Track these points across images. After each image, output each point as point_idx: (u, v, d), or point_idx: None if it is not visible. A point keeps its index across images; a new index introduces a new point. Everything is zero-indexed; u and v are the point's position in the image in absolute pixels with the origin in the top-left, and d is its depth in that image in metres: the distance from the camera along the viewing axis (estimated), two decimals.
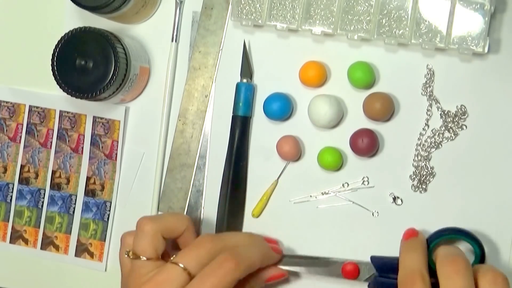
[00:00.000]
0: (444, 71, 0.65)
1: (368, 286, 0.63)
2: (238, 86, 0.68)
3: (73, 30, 0.64)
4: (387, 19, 0.63)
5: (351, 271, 0.63)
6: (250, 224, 0.68)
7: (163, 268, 0.57)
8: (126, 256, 0.59)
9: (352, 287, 0.65)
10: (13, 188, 0.73)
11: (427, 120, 0.65)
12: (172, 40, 0.70)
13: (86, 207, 0.71)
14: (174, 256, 0.58)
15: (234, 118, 0.68)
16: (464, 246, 0.62)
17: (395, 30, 0.63)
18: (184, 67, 0.69)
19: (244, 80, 0.68)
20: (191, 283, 0.56)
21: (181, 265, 0.56)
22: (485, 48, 0.62)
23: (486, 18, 0.62)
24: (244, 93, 0.67)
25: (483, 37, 0.62)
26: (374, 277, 0.63)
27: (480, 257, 0.61)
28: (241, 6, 0.65)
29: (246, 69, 0.68)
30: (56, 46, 0.64)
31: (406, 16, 0.63)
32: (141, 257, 0.58)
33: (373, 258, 0.63)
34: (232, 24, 0.68)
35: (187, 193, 0.69)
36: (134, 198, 0.70)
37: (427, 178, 0.65)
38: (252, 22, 0.65)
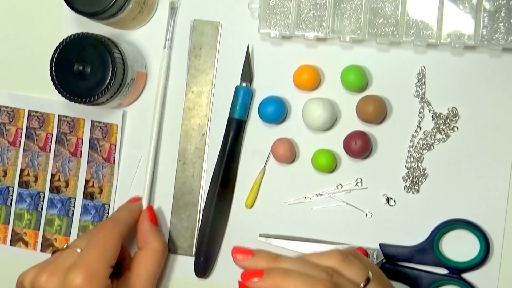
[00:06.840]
0: (436, 70, 0.65)
1: None
2: (236, 90, 0.68)
3: (71, 36, 0.65)
4: (377, 18, 0.63)
5: None
6: (243, 218, 0.69)
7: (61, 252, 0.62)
8: None
9: None
10: (13, 192, 0.73)
11: (419, 122, 0.66)
12: (165, 47, 0.70)
13: (85, 210, 0.72)
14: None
15: (229, 120, 0.68)
16: (470, 238, 0.64)
17: (386, 28, 0.63)
18: (182, 71, 0.70)
19: (244, 84, 0.68)
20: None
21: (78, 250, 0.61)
22: (476, 40, 0.62)
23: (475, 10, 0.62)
24: (242, 97, 0.67)
25: (474, 29, 0.62)
26: (382, 264, 0.65)
27: (485, 249, 0.63)
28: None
29: (247, 73, 0.68)
30: (55, 51, 0.65)
31: (396, 12, 0.63)
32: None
33: (382, 246, 0.65)
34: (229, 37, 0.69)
35: (193, 231, 0.69)
36: None
37: (420, 179, 0.65)
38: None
